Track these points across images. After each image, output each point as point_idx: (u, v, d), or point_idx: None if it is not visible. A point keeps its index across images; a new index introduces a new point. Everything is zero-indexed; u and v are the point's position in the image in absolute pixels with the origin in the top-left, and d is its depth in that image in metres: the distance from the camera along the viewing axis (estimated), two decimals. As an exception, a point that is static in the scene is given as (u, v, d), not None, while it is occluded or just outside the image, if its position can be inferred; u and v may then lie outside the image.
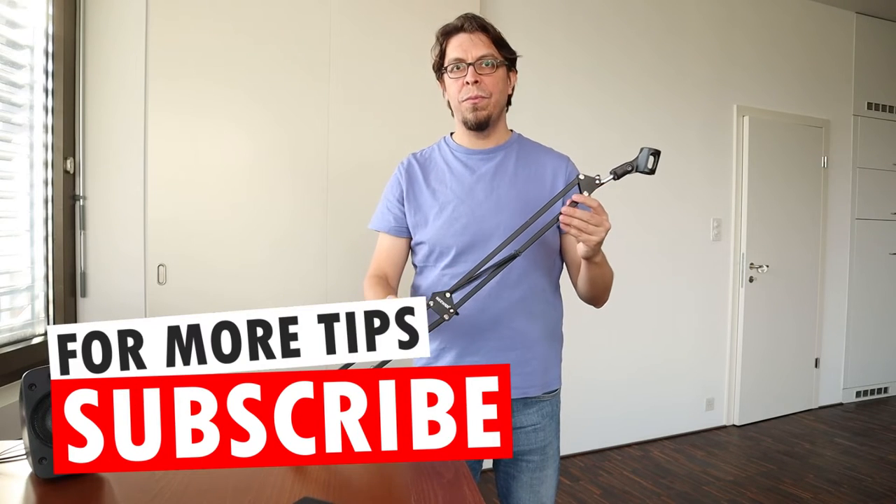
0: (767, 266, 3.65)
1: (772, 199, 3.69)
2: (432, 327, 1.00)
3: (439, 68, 1.28)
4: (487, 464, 1.34)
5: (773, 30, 3.72)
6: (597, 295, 1.26)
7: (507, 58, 1.26)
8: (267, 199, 2.33)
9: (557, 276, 1.34)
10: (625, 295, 3.27)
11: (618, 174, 1.10)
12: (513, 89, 1.32)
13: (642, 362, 3.33)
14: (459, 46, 1.22)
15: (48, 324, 1.99)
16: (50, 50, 1.94)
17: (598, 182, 1.09)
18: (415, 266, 1.35)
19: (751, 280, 3.61)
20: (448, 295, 1.06)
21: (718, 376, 3.62)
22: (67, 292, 2.05)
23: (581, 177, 1.09)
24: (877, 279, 4.16)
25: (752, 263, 3.61)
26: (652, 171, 1.10)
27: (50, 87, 1.95)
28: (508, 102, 1.33)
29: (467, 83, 1.21)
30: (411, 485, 0.89)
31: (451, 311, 1.05)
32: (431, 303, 1.05)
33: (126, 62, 2.14)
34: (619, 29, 3.21)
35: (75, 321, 2.11)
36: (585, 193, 1.08)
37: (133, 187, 2.16)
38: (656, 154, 1.09)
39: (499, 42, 1.25)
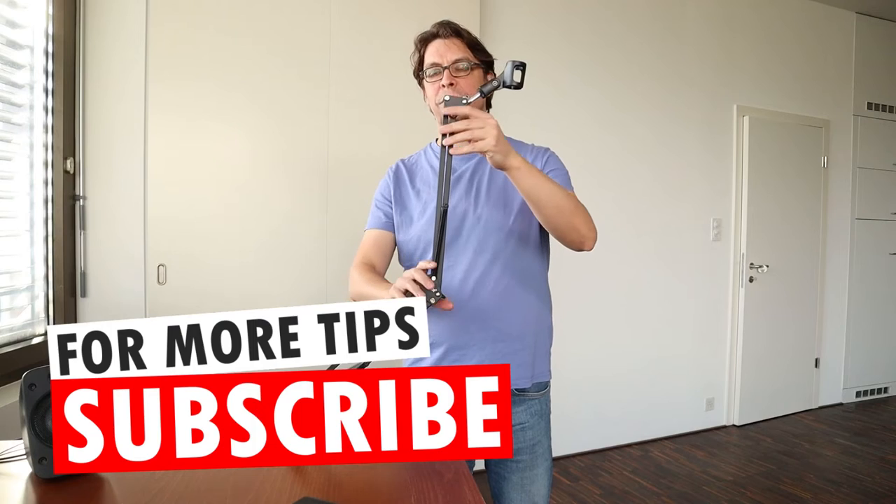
0: (767, 266, 3.65)
1: (772, 199, 3.69)
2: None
3: (418, 74, 1.33)
4: (479, 465, 1.34)
5: (773, 30, 3.72)
6: (555, 221, 1.13)
7: (484, 61, 1.30)
8: (267, 200, 2.33)
9: (544, 269, 1.35)
10: (625, 294, 3.27)
11: (484, 92, 1.10)
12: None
13: (642, 362, 3.33)
14: (436, 52, 1.27)
15: (48, 324, 1.99)
16: (50, 50, 1.94)
17: (465, 102, 1.08)
18: (402, 265, 1.37)
19: (751, 280, 3.61)
20: (431, 277, 1.05)
21: (718, 376, 3.62)
22: (67, 292, 2.05)
23: (446, 98, 1.08)
24: (877, 279, 4.16)
25: (752, 263, 3.61)
26: (519, 86, 1.08)
27: (50, 87, 1.95)
28: (489, 105, 1.37)
29: (443, 86, 1.25)
30: (411, 485, 0.89)
31: (437, 293, 1.04)
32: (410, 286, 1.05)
33: (126, 62, 2.14)
34: (618, 30, 3.20)
35: (75, 321, 2.11)
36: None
37: (133, 187, 2.16)
38: (521, 67, 1.06)
39: (474, 46, 1.29)
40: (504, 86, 1.09)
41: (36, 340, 1.89)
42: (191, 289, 2.20)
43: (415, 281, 1.04)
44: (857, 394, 4.14)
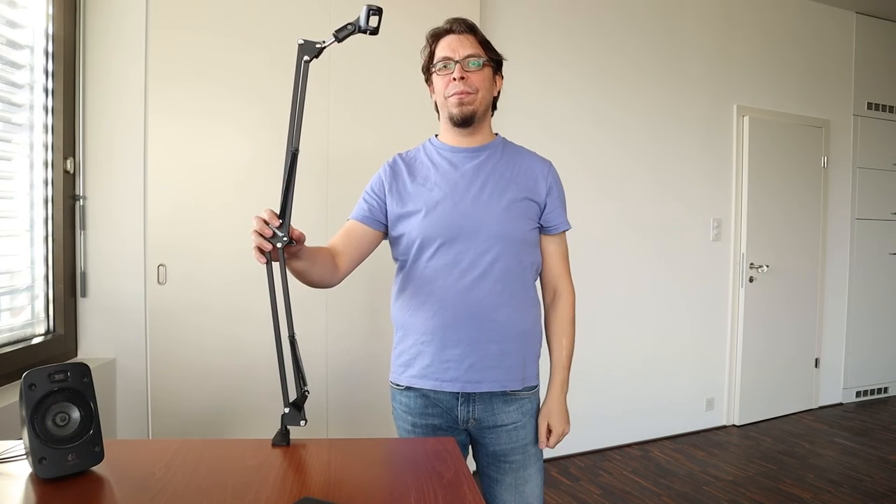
0: (767, 266, 3.65)
1: (772, 199, 3.69)
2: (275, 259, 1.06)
3: (428, 69, 1.33)
4: (471, 467, 1.34)
5: (772, 30, 3.72)
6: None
7: (494, 59, 1.31)
8: (267, 200, 2.32)
9: (535, 274, 1.35)
10: (625, 294, 3.27)
11: (339, 37, 1.10)
12: (498, 93, 1.36)
13: (642, 362, 3.33)
14: (448, 46, 1.28)
15: (48, 324, 1.99)
16: (50, 50, 1.94)
17: (319, 45, 1.08)
18: (395, 261, 1.37)
19: (751, 280, 3.61)
20: (280, 223, 1.07)
21: (718, 376, 3.61)
22: (67, 292, 2.05)
23: (300, 41, 1.07)
24: (877, 279, 4.16)
25: (752, 263, 3.61)
26: (375, 31, 1.08)
27: (50, 87, 1.95)
28: (494, 107, 1.38)
29: (454, 79, 1.26)
30: (411, 485, 0.89)
31: (284, 237, 1.06)
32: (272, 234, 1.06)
33: (126, 62, 2.14)
34: (617, 31, 3.20)
35: (75, 321, 2.11)
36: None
37: (133, 187, 2.16)
38: (378, 12, 1.07)
39: (485, 45, 1.30)
40: (359, 30, 1.09)
41: (36, 340, 1.89)
42: (191, 289, 2.20)
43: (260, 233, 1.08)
44: (857, 394, 4.14)
